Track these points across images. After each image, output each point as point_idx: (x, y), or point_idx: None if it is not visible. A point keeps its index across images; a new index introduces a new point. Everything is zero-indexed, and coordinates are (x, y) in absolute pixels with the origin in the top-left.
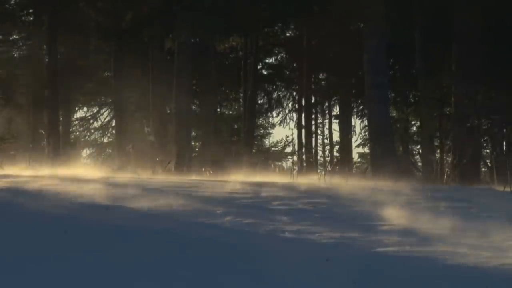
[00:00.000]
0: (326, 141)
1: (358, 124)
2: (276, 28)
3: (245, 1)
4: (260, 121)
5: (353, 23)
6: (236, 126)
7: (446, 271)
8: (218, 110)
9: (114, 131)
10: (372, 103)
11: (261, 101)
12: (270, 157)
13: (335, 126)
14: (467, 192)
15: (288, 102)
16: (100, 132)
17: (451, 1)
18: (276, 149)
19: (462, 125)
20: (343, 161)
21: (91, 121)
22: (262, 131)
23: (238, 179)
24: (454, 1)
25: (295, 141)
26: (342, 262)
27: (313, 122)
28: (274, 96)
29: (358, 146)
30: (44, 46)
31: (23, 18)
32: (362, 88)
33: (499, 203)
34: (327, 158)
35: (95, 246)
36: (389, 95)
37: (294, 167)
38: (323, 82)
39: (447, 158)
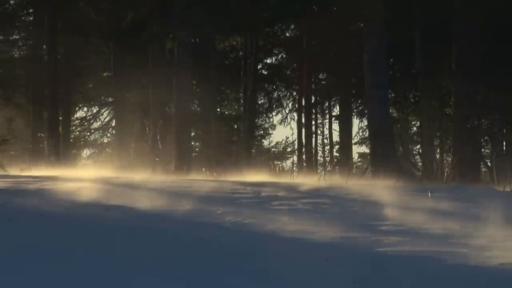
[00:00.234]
0: (326, 141)
1: (358, 124)
2: (276, 28)
3: (245, 1)
4: (260, 121)
5: (353, 23)
6: (236, 126)
7: (446, 271)
8: (218, 110)
9: (114, 131)
10: (372, 103)
11: (261, 101)
12: (270, 157)
13: (335, 126)
14: (467, 192)
15: (288, 102)
16: (100, 132)
17: (451, 1)
18: (277, 149)
19: (462, 125)
20: (343, 161)
21: (91, 121)
22: (262, 131)
23: (238, 179)
24: (454, 1)
25: (295, 141)
26: (342, 262)
27: (313, 122)
28: (274, 96)
29: (355, 144)
30: (44, 46)
31: (23, 18)
32: (362, 88)
33: (499, 203)
34: (327, 158)
35: (95, 246)
36: (389, 95)
37: (294, 167)
38: (323, 82)
39: (447, 158)
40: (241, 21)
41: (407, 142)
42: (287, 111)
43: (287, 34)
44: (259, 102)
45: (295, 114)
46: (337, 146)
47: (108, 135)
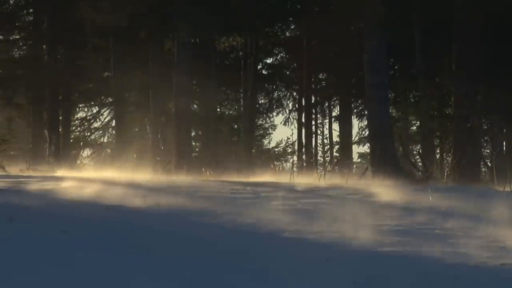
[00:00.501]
0: (326, 141)
1: (358, 124)
2: (276, 28)
3: (245, 1)
4: (260, 121)
5: (353, 23)
6: (236, 126)
7: (447, 271)
8: (218, 110)
9: (114, 131)
10: (372, 103)
11: (262, 101)
12: (270, 157)
13: (335, 126)
14: (467, 192)
15: (288, 102)
16: (100, 132)
17: (451, 1)
18: (277, 149)
19: (462, 125)
20: (343, 161)
21: (91, 121)
22: (262, 131)
23: (238, 179)
24: (454, 1)
25: (296, 141)
26: (342, 262)
27: (313, 122)
28: (274, 96)
29: (355, 144)
30: (44, 46)
31: (23, 18)
32: (362, 88)
33: (499, 203)
34: (327, 158)
35: (95, 246)
36: (389, 95)
37: (294, 167)
38: (323, 82)
39: (447, 158)
40: (241, 21)
41: (407, 142)
42: (288, 112)
43: (287, 34)
44: (259, 102)
45: (295, 114)
46: (337, 146)
47: (108, 135)
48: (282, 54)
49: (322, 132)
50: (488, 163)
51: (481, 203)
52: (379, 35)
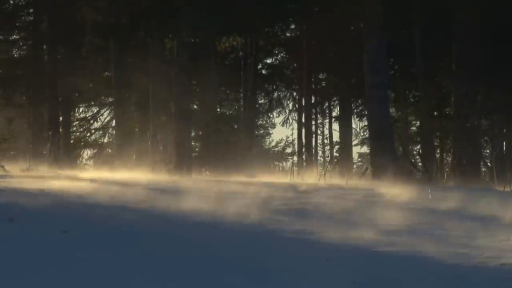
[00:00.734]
0: (326, 141)
1: (358, 124)
2: (276, 28)
3: (245, 1)
4: (260, 121)
5: (353, 23)
6: (236, 126)
7: (447, 271)
8: (218, 110)
9: (114, 131)
10: (372, 103)
11: (261, 101)
12: (270, 157)
13: (335, 126)
14: (467, 192)
15: (288, 102)
16: (100, 132)
17: (451, 1)
18: (277, 149)
19: (462, 125)
20: (343, 161)
21: (91, 121)
22: (262, 131)
23: (238, 179)
24: (454, 1)
25: (295, 141)
26: (342, 262)
27: (313, 122)
28: (274, 96)
29: (355, 144)
30: (44, 46)
31: (23, 18)
32: (362, 88)
33: (499, 203)
34: (327, 158)
35: (95, 246)
36: (389, 95)
37: (294, 167)
38: (323, 82)
39: (447, 158)
40: (241, 21)
41: (407, 142)
42: (288, 112)
43: (287, 34)
44: (259, 102)
45: (295, 114)
46: (337, 146)
47: (109, 135)
48: (282, 54)
49: (322, 132)
50: (488, 163)
51: (481, 203)
52: (379, 35)
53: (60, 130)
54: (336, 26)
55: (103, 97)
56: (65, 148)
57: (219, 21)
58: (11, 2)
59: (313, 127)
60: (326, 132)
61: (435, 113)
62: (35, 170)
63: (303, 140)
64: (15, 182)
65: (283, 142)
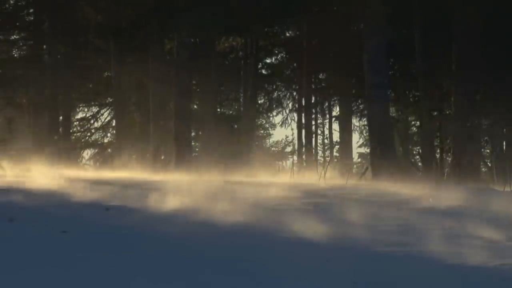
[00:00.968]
0: (326, 141)
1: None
2: (276, 28)
3: (245, 1)
4: (260, 121)
5: (353, 23)
6: (236, 126)
7: (447, 271)
8: (218, 110)
9: (114, 131)
10: (372, 103)
11: (261, 101)
12: (270, 157)
13: (335, 126)
14: (467, 192)
15: (288, 102)
16: (100, 132)
17: (451, 1)
18: (277, 149)
19: (462, 125)
20: (343, 161)
21: (92, 121)
22: (262, 131)
23: (238, 179)
24: (454, 1)
25: (295, 141)
26: (342, 262)
27: (313, 122)
28: (274, 96)
29: (360, 146)
30: (44, 46)
31: (23, 18)
32: (362, 88)
33: (499, 203)
34: (327, 158)
35: (95, 246)
36: (389, 95)
37: (294, 167)
38: (323, 82)
39: (447, 158)
40: (241, 21)
41: (407, 142)
42: (287, 112)
43: (287, 34)
44: (259, 102)
45: (295, 114)
46: (337, 146)
47: (109, 135)
48: (282, 54)
49: (322, 132)
50: (488, 163)
51: (481, 203)
52: (379, 35)
53: (60, 130)
54: (336, 26)
55: (103, 97)
56: (65, 148)
57: (219, 21)
58: (11, 2)
59: (313, 127)
60: (326, 132)
61: (435, 113)
62: (35, 170)
63: (303, 140)
64: (15, 182)
65: (283, 141)
